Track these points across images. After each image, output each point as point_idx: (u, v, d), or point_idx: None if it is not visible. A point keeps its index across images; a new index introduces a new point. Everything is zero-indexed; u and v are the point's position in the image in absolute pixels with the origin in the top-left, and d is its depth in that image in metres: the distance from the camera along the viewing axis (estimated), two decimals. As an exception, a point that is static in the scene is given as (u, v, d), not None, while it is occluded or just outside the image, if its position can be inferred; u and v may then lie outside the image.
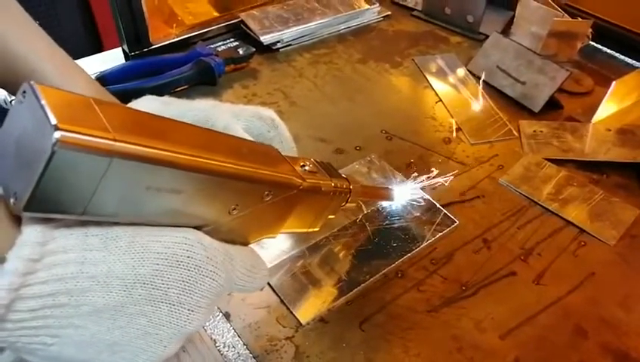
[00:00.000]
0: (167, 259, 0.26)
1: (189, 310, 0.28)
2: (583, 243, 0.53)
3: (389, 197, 0.49)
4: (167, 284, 0.26)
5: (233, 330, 0.44)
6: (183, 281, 0.27)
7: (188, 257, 0.27)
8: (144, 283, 0.25)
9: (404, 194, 0.54)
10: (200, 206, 0.27)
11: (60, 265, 0.23)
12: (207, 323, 0.44)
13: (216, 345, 0.43)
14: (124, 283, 0.25)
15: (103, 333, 0.25)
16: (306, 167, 0.35)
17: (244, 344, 0.43)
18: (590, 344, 0.45)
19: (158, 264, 0.26)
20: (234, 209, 0.29)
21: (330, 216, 0.39)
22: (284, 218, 0.34)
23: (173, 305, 0.27)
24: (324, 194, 0.36)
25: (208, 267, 0.28)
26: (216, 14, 0.84)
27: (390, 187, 0.50)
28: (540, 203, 0.57)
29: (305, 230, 0.38)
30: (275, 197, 0.31)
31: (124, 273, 0.25)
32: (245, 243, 0.33)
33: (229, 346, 0.43)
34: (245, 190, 0.29)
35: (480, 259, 0.51)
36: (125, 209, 0.24)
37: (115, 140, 0.21)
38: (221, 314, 0.45)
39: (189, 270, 0.27)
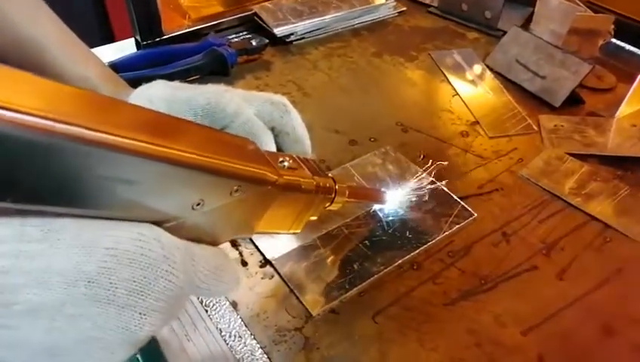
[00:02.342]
0: (116, 256, 0.23)
1: (140, 313, 0.24)
2: (608, 238, 0.50)
3: (379, 200, 0.47)
4: (116, 284, 0.23)
5: (240, 320, 0.42)
6: (135, 281, 0.24)
7: (142, 255, 0.24)
8: (88, 282, 0.22)
9: (397, 198, 0.51)
10: (159, 199, 0.24)
11: None
12: (213, 312, 0.43)
13: (222, 334, 0.41)
14: (65, 280, 0.22)
15: (38, 335, 0.22)
16: (286, 163, 0.32)
17: (251, 334, 0.41)
18: (619, 342, 0.42)
19: (106, 261, 0.23)
20: (198, 204, 0.26)
21: (312, 218, 0.37)
22: (258, 217, 0.31)
23: (122, 307, 0.24)
24: (305, 193, 0.33)
25: (164, 266, 0.25)
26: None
27: (381, 189, 0.48)
28: (562, 197, 0.54)
29: (284, 231, 0.35)
30: (246, 193, 0.28)
31: (66, 269, 0.22)
32: (215, 243, 0.30)
33: (235, 336, 0.41)
34: (211, 184, 0.26)
35: (499, 253, 0.49)
36: (71, 198, 0.21)
37: (56, 121, 0.19)
38: (228, 302, 0.43)
39: (141, 269, 0.24)
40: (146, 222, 0.25)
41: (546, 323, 0.43)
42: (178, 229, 0.26)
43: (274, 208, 0.31)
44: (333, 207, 0.38)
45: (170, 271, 0.25)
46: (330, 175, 0.38)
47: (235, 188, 0.27)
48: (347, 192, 0.39)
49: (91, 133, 0.20)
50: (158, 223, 0.25)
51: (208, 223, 0.28)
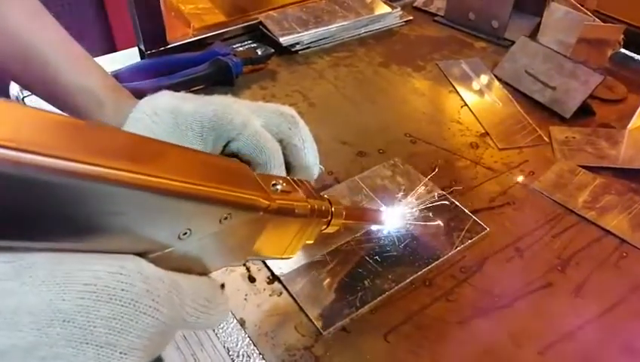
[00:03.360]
0: (95, 293, 0.22)
1: (120, 353, 0.23)
2: (624, 254, 0.49)
3: (378, 220, 0.45)
4: (94, 322, 0.22)
5: (248, 338, 0.41)
6: (115, 319, 0.22)
7: (122, 290, 0.22)
8: (64, 321, 0.21)
9: (397, 218, 0.49)
10: (142, 230, 0.23)
11: None
12: (220, 330, 0.41)
13: (230, 354, 0.40)
14: (37, 320, 0.20)
15: None
16: (279, 186, 0.31)
17: (259, 353, 0.40)
18: (639, 363, 0.41)
19: (83, 298, 0.21)
20: (185, 233, 0.24)
21: (308, 242, 0.35)
22: (250, 243, 0.30)
23: (101, 347, 0.22)
24: (299, 217, 0.32)
25: (147, 302, 0.23)
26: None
27: (380, 209, 0.46)
28: (575, 211, 0.53)
29: (278, 257, 0.34)
30: (237, 220, 0.26)
31: (39, 308, 0.20)
32: (205, 272, 0.29)
33: (243, 355, 0.40)
34: (198, 212, 0.24)
35: (513, 269, 0.48)
36: (43, 232, 0.20)
37: (23, 151, 0.17)
38: (235, 320, 0.42)
39: (122, 305, 0.22)
40: (129, 253, 0.23)
41: (563, 342, 0.42)
42: (164, 260, 0.25)
43: (267, 234, 0.30)
44: (330, 230, 0.37)
45: (154, 306, 0.23)
46: (326, 196, 0.36)
47: (225, 215, 0.25)
48: (344, 214, 0.37)
49: (62, 162, 0.18)
50: (142, 254, 0.24)
51: (197, 252, 0.26)
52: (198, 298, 0.27)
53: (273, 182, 0.31)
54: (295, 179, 0.34)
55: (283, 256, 0.34)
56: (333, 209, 0.36)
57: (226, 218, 0.25)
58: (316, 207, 0.33)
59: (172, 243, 0.24)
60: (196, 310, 0.27)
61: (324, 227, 0.36)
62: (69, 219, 0.20)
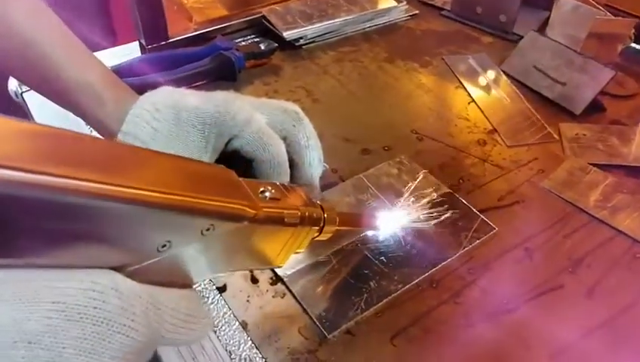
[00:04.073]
0: (64, 312, 0.20)
1: None
2: (637, 255, 0.48)
3: (374, 225, 0.44)
4: (62, 343, 0.20)
5: (251, 341, 0.40)
6: (86, 339, 0.21)
7: (94, 308, 0.21)
8: (29, 343, 0.19)
9: (395, 222, 0.47)
10: (117, 243, 0.21)
11: None
12: (222, 333, 0.40)
13: (232, 357, 0.39)
14: (0, 341, 0.19)
15: None
16: (267, 193, 0.29)
17: (262, 357, 0.39)
18: (653, 368, 0.40)
19: (51, 317, 0.20)
20: (164, 246, 0.23)
21: (298, 251, 0.34)
22: (235, 253, 0.28)
23: None
24: (288, 226, 0.30)
25: (121, 320, 0.22)
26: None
27: (376, 214, 0.44)
28: (586, 210, 0.52)
29: (266, 266, 0.33)
30: (220, 231, 0.25)
31: (2, 329, 0.19)
32: (187, 284, 0.27)
33: (245, 359, 0.39)
34: (177, 224, 0.23)
35: (523, 270, 0.46)
36: (9, 247, 0.18)
37: None
38: (237, 322, 0.41)
39: (94, 324, 0.21)
40: (104, 267, 0.22)
41: (576, 346, 0.40)
42: (143, 273, 0.23)
43: (254, 243, 0.29)
44: (323, 238, 0.35)
45: (129, 324, 0.22)
46: (319, 202, 0.35)
47: (207, 226, 0.24)
48: (338, 220, 0.36)
49: (24, 175, 0.17)
50: (118, 268, 0.22)
51: (178, 264, 0.25)
52: (178, 313, 0.25)
53: (261, 188, 0.29)
54: (286, 184, 0.32)
55: (272, 266, 0.33)
56: (325, 215, 0.34)
57: (208, 229, 0.24)
58: (307, 214, 0.32)
59: (151, 256, 0.23)
60: (176, 326, 0.25)
61: (317, 234, 0.35)
62: (36, 233, 0.19)
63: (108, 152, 0.21)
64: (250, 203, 0.26)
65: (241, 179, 0.27)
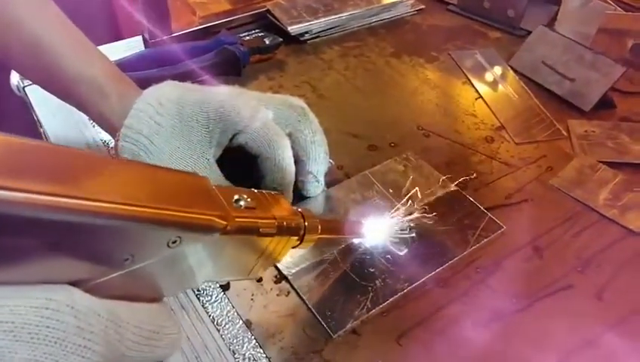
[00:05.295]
0: (13, 332, 0.19)
1: None
2: (648, 254, 0.47)
3: (359, 233, 0.42)
4: None
5: (255, 340, 0.39)
6: (36, 361, 0.19)
7: (47, 327, 0.19)
8: None
9: (382, 230, 0.45)
10: (75, 257, 0.20)
11: None
12: (226, 332, 0.40)
13: (236, 357, 0.38)
14: None
15: None
16: (242, 202, 0.28)
17: (266, 357, 0.38)
18: (665, 371, 0.39)
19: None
20: (126, 260, 0.21)
21: (276, 261, 0.33)
22: (207, 265, 0.27)
23: None
24: (264, 236, 0.29)
25: (77, 340, 0.20)
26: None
27: (362, 221, 0.43)
28: (596, 209, 0.51)
29: (242, 278, 0.32)
30: (189, 243, 0.23)
31: None
32: (155, 298, 0.26)
33: (249, 359, 0.38)
34: (139, 236, 0.21)
35: (531, 269, 0.45)
36: None
37: None
38: (241, 321, 0.40)
39: (46, 345, 0.19)
40: (62, 283, 0.21)
41: (587, 348, 0.40)
42: (104, 288, 0.22)
43: (228, 255, 0.27)
44: (304, 247, 0.34)
45: (85, 344, 0.21)
46: (299, 210, 0.34)
47: (174, 239, 0.22)
48: (319, 228, 0.35)
49: None
50: (78, 282, 0.21)
51: (144, 278, 0.24)
52: (142, 330, 0.24)
53: (236, 197, 0.28)
54: (264, 191, 0.31)
55: (248, 277, 0.32)
56: (306, 224, 0.33)
57: (175, 241, 0.22)
58: (285, 223, 0.31)
59: (113, 270, 0.22)
60: (139, 343, 0.24)
61: (297, 244, 0.34)
62: None
63: (67, 162, 0.20)
64: (221, 213, 0.25)
65: (215, 186, 0.26)
